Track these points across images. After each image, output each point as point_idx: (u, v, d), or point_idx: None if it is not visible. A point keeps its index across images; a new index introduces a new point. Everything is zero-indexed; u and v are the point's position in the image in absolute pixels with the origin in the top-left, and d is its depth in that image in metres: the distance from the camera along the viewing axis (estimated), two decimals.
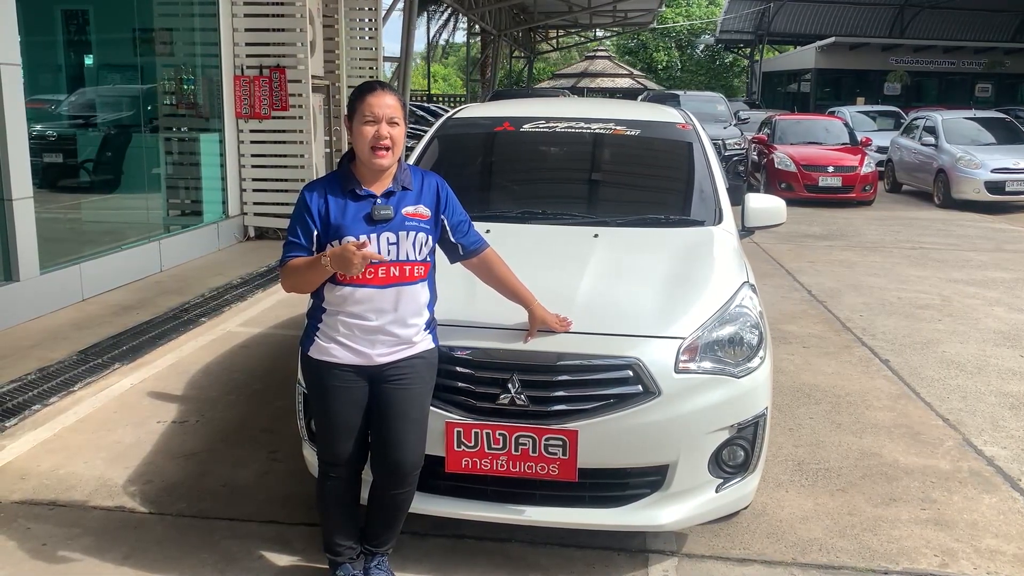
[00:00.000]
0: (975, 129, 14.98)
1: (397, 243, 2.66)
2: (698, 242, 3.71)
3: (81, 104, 8.45)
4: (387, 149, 2.64)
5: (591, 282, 3.22)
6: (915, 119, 16.21)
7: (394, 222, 2.66)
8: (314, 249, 2.68)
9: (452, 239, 2.85)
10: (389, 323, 2.69)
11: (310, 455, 3.19)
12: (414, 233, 2.69)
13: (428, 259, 2.76)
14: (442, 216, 2.80)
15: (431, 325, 2.82)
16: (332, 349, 2.71)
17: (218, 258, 8.53)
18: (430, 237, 2.75)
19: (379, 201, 2.67)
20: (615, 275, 3.32)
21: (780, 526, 3.46)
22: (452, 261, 2.92)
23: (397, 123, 2.66)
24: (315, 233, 2.67)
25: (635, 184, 4.49)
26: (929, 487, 3.84)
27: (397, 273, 2.67)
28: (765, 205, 4.32)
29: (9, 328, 5.77)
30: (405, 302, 2.70)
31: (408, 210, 2.70)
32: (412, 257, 2.69)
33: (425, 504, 2.99)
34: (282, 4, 9.05)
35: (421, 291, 2.75)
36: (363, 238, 2.60)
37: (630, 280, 3.30)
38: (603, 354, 2.89)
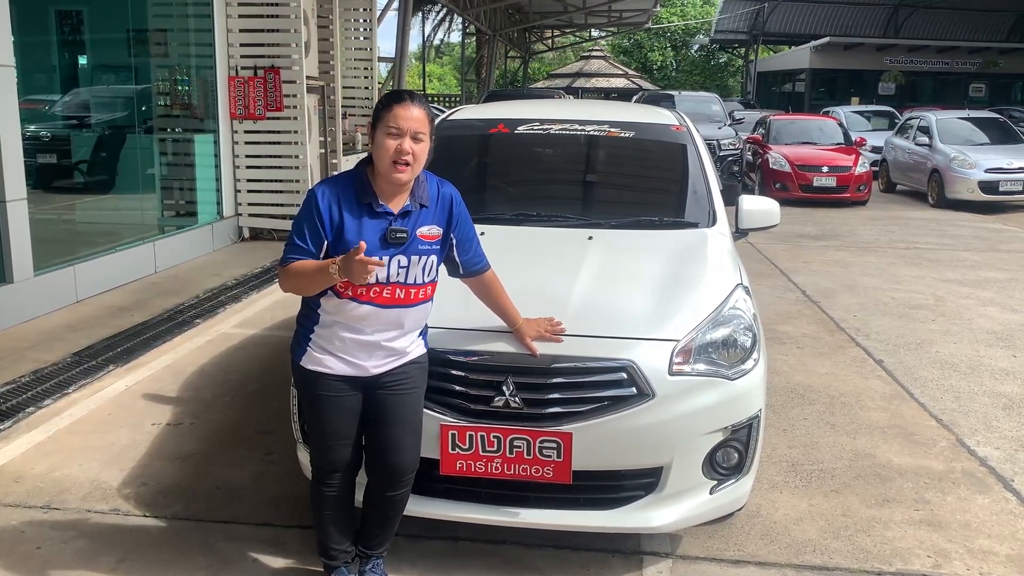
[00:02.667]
0: (969, 129, 15.03)
1: (408, 266, 2.60)
2: (692, 244, 3.72)
3: (75, 105, 8.43)
4: (407, 165, 2.53)
5: (585, 284, 3.22)
6: (909, 119, 16.25)
7: (408, 245, 2.59)
8: (321, 256, 2.56)
9: (456, 257, 2.79)
10: (387, 339, 2.66)
11: (305, 457, 3.19)
12: (425, 257, 2.63)
13: (434, 279, 2.72)
14: (452, 235, 2.74)
15: (424, 331, 2.82)
16: (326, 360, 2.67)
17: (213, 259, 8.52)
18: (438, 257, 2.70)
19: (395, 223, 2.59)
20: (609, 277, 3.33)
21: (774, 527, 3.47)
22: (451, 275, 2.87)
23: (422, 138, 2.54)
24: (326, 242, 2.56)
25: (629, 186, 4.50)
26: (923, 488, 3.86)
27: (403, 296, 2.62)
28: (759, 207, 4.33)
29: (3, 330, 5.76)
30: (407, 322, 2.68)
31: (422, 231, 2.63)
32: (419, 280, 2.64)
33: (419, 507, 2.99)
34: (277, 4, 9.04)
35: (423, 311, 2.73)
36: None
37: (624, 282, 3.30)
38: (597, 356, 2.90)
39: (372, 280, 2.52)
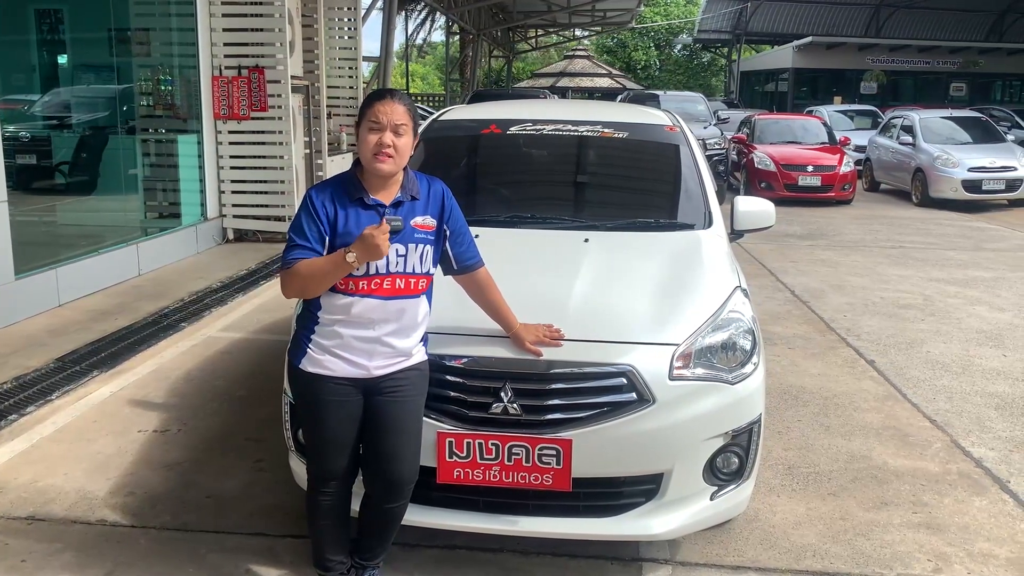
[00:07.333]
0: (952, 128, 15.13)
1: (405, 255, 2.60)
2: (689, 246, 3.69)
3: (56, 105, 8.30)
4: (390, 156, 2.56)
5: (583, 288, 3.17)
6: (893, 118, 16.33)
7: (403, 234, 2.59)
8: (324, 252, 2.57)
9: (449, 251, 2.78)
10: (388, 334, 2.62)
11: (297, 466, 3.13)
12: (421, 246, 2.64)
13: (431, 272, 2.71)
14: (445, 226, 2.74)
15: (425, 337, 2.78)
16: (327, 362, 2.63)
17: (197, 261, 8.41)
18: (434, 248, 2.69)
19: (388, 212, 2.60)
20: (607, 281, 3.28)
21: (773, 532, 3.44)
22: (445, 273, 2.85)
23: (403, 132, 2.58)
24: (327, 238, 2.57)
25: (624, 187, 4.46)
26: (919, 490, 3.84)
27: (403, 285, 2.61)
28: (754, 208, 4.31)
29: None
30: (408, 314, 2.64)
31: (416, 221, 2.64)
32: (417, 270, 2.63)
33: (416, 515, 2.93)
34: (261, 4, 8.93)
35: (423, 303, 2.70)
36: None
37: (622, 286, 3.26)
38: (596, 362, 2.85)
39: (373, 270, 2.55)
